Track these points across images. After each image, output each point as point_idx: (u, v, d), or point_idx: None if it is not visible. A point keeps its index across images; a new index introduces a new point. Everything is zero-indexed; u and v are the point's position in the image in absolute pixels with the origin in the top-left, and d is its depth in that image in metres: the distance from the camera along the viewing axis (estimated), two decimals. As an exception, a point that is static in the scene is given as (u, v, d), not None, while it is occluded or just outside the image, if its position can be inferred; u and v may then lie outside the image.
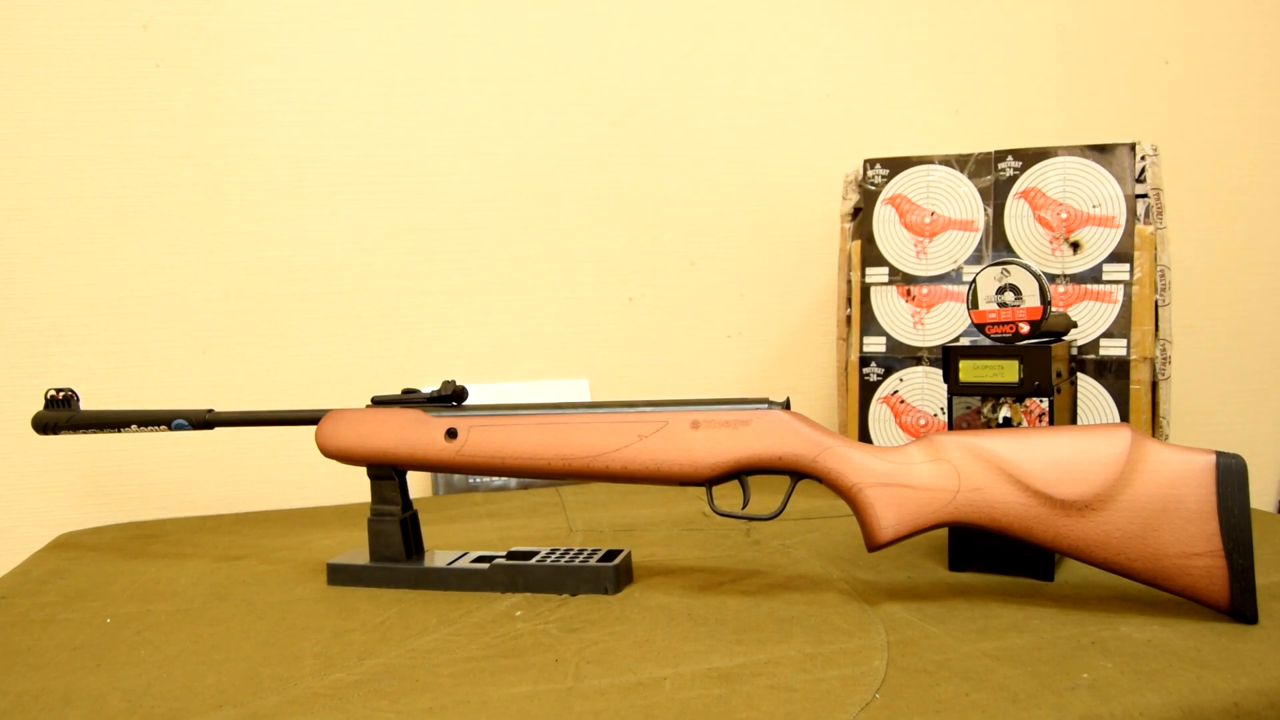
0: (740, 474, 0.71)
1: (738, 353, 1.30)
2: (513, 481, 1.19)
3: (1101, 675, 0.54)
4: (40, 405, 0.88)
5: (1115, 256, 0.96)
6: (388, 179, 1.17)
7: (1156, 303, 0.94)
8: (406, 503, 0.80)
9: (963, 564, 0.76)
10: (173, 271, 1.12)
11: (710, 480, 0.71)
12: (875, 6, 1.30)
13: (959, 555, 0.76)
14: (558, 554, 0.76)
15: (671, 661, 0.58)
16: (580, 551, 0.76)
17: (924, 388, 1.04)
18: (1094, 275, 0.96)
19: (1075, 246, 0.97)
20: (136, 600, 0.76)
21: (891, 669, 0.56)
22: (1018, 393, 0.73)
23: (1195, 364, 1.41)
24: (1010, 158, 1.00)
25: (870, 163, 1.07)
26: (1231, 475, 0.61)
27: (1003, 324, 0.74)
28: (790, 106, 1.28)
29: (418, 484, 1.19)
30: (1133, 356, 0.94)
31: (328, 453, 0.79)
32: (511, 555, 0.76)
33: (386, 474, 0.78)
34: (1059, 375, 0.75)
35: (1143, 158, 0.95)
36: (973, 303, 0.76)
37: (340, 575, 0.79)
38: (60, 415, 0.86)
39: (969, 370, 0.74)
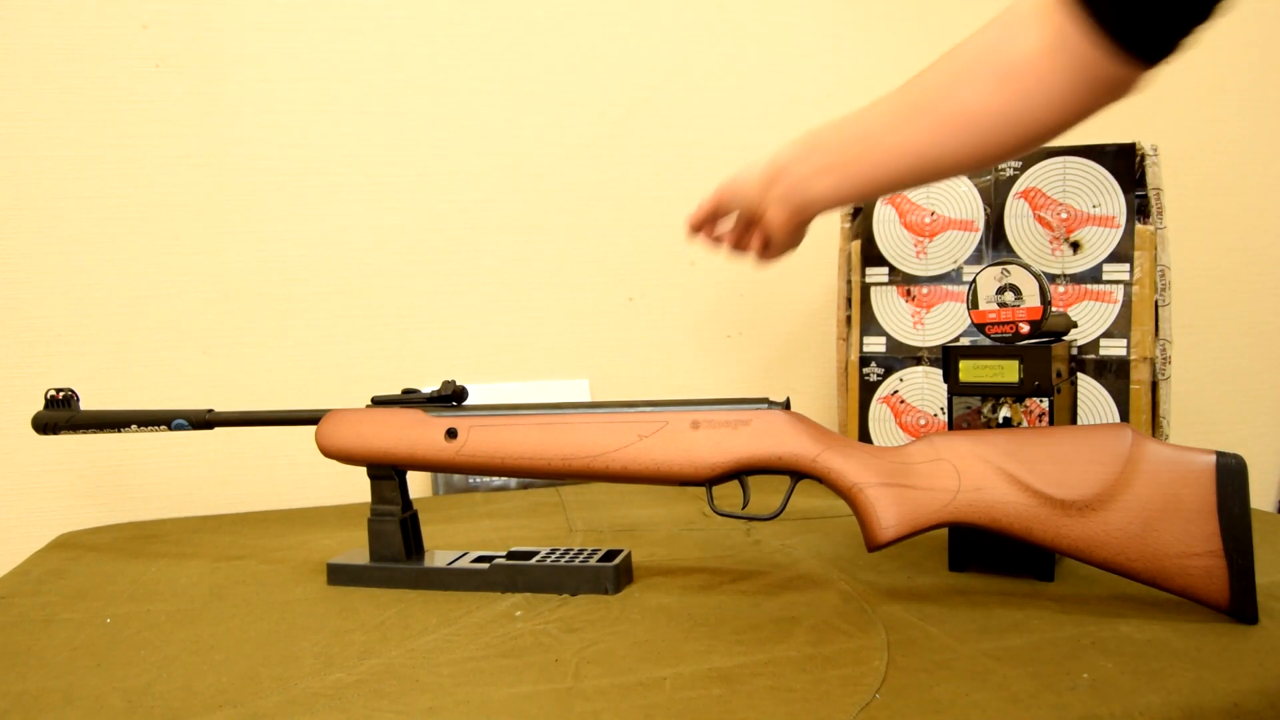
0: (740, 474, 0.71)
1: (738, 353, 1.30)
2: (513, 481, 1.19)
3: (1101, 675, 0.54)
4: (40, 405, 0.88)
5: (1115, 256, 0.96)
6: (388, 179, 1.17)
7: (1156, 303, 0.94)
8: (406, 503, 0.80)
9: (963, 564, 0.76)
10: (173, 271, 1.12)
11: (710, 480, 0.71)
12: (875, 6, 1.30)
13: (959, 555, 0.76)
14: (558, 554, 0.76)
15: (671, 661, 0.58)
16: (580, 551, 0.76)
17: (924, 388, 1.04)
18: (1094, 275, 0.96)
19: (1075, 246, 0.97)
20: (136, 600, 0.76)
21: (891, 669, 0.56)
22: (1018, 393, 0.73)
23: (1195, 364, 1.41)
24: (1010, 158, 1.00)
25: (870, 163, 1.07)
26: (1231, 475, 0.61)
27: (1003, 324, 0.74)
28: (790, 106, 1.28)
29: (418, 484, 1.19)
30: (1133, 356, 0.94)
31: (328, 453, 0.79)
32: (511, 555, 0.76)
33: (386, 474, 0.78)
34: (1059, 375, 0.75)
35: (1142, 158, 0.95)
36: (973, 303, 0.76)
37: (340, 575, 0.79)
38: (60, 415, 0.86)
39: (969, 370, 0.74)
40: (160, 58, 1.10)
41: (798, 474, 0.70)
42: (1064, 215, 0.98)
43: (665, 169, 1.25)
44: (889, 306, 1.05)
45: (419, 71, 1.17)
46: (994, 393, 0.75)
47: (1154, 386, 0.94)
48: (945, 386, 0.76)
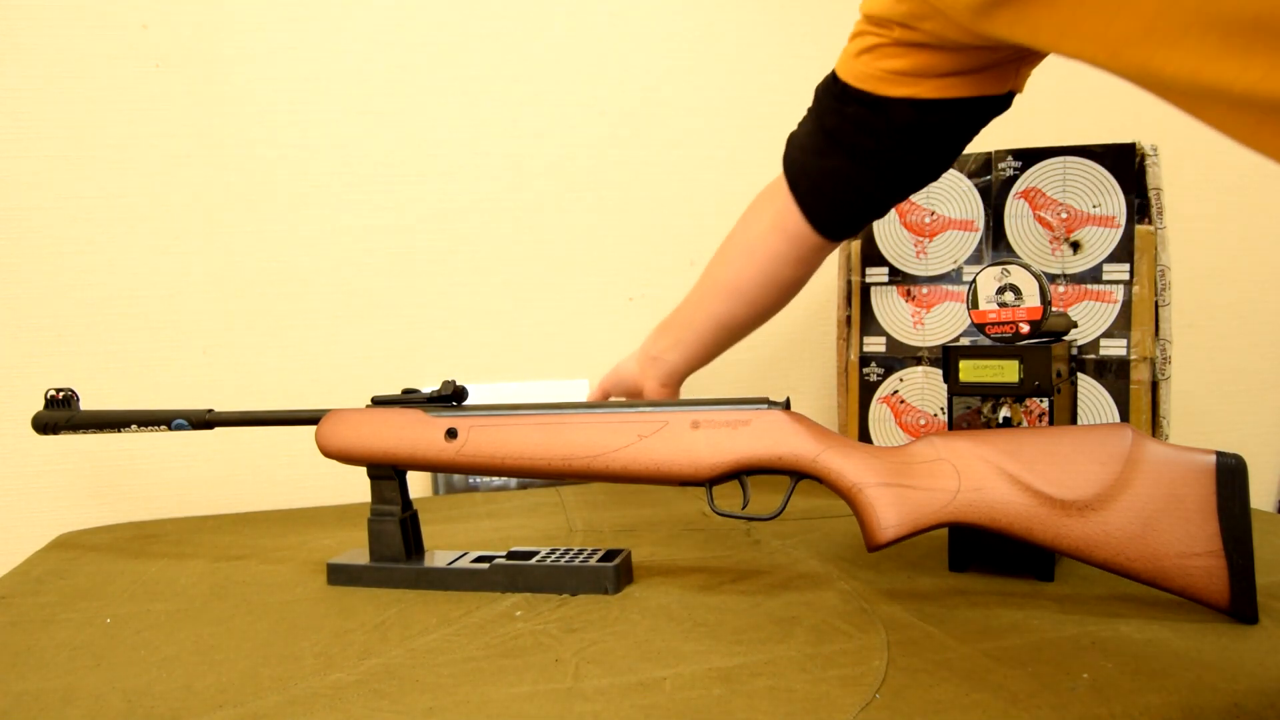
0: (740, 474, 0.71)
1: (738, 353, 1.30)
2: (513, 481, 1.19)
3: (1101, 675, 0.54)
4: (40, 405, 0.88)
5: (1115, 256, 0.96)
6: (388, 179, 1.17)
7: (1156, 303, 0.94)
8: (406, 503, 0.80)
9: (963, 564, 0.76)
10: (173, 271, 1.12)
11: (710, 480, 0.71)
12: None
13: (959, 555, 0.76)
14: (558, 554, 0.76)
15: (671, 661, 0.58)
16: (580, 551, 0.76)
17: (924, 388, 1.04)
18: (1094, 275, 0.96)
19: (1075, 246, 0.97)
20: (136, 600, 0.76)
21: (891, 669, 0.56)
22: (1018, 393, 0.73)
23: (1195, 364, 1.41)
24: (1010, 158, 1.00)
25: (870, 163, 1.07)
26: (1231, 475, 0.61)
27: (1003, 324, 0.74)
28: (790, 106, 1.28)
29: (418, 484, 1.19)
30: (1133, 356, 0.94)
31: (328, 453, 0.79)
32: (511, 555, 0.76)
33: (386, 474, 0.78)
34: (1059, 375, 0.75)
35: (1142, 158, 0.95)
36: (973, 303, 0.76)
37: (340, 575, 0.79)
38: (60, 415, 0.86)
39: (969, 370, 0.74)
40: (160, 58, 1.10)
41: (798, 474, 0.70)
42: (1064, 215, 0.98)
43: (665, 169, 1.25)
44: (889, 306, 1.05)
45: (419, 72, 1.17)
46: (994, 393, 0.75)
47: (1154, 386, 0.94)
48: (945, 386, 0.76)
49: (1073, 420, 0.85)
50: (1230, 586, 0.60)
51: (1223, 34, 0.45)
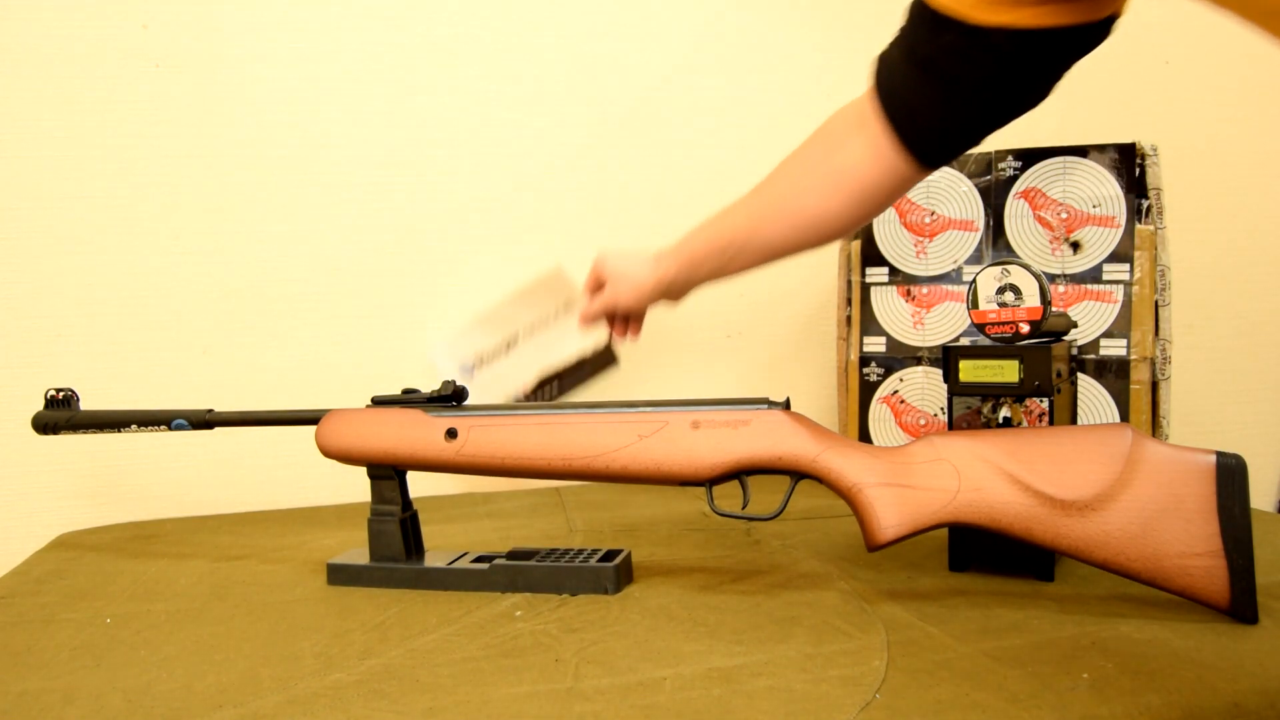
0: (740, 474, 0.71)
1: (738, 353, 1.30)
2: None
3: (1101, 675, 0.54)
4: (40, 405, 0.88)
5: (1115, 256, 0.96)
6: (387, 179, 1.17)
7: (1156, 303, 0.94)
8: (406, 503, 0.80)
9: (963, 564, 0.76)
10: (173, 271, 1.12)
11: (710, 480, 0.71)
12: (875, 7, 1.30)
13: (959, 555, 0.76)
14: (558, 554, 0.76)
15: (671, 661, 0.58)
16: (580, 551, 0.76)
17: (924, 388, 1.04)
18: (1094, 275, 0.96)
19: (1075, 246, 0.97)
20: (136, 600, 0.76)
21: (891, 669, 0.56)
22: (1018, 393, 0.73)
23: (1195, 364, 1.41)
24: (1010, 158, 1.00)
25: (870, 163, 1.07)
26: (1231, 475, 0.61)
27: (1003, 324, 0.74)
28: (790, 106, 1.28)
29: (418, 484, 1.19)
30: (1133, 356, 0.94)
31: (328, 453, 0.79)
32: (511, 555, 0.76)
33: (386, 474, 0.79)
34: (1059, 375, 0.75)
35: (1142, 158, 0.95)
36: (973, 303, 0.76)
37: (340, 575, 0.79)
38: (60, 415, 0.86)
39: (969, 370, 0.74)
40: (160, 58, 1.10)
41: (798, 474, 0.70)
42: (1064, 215, 0.98)
43: (666, 169, 1.25)
44: (889, 306, 1.05)
45: (419, 72, 1.17)
46: (994, 393, 0.75)
47: (1154, 386, 0.94)
48: (945, 386, 0.76)
49: (1073, 420, 0.85)
50: (1230, 587, 0.60)
51: None
